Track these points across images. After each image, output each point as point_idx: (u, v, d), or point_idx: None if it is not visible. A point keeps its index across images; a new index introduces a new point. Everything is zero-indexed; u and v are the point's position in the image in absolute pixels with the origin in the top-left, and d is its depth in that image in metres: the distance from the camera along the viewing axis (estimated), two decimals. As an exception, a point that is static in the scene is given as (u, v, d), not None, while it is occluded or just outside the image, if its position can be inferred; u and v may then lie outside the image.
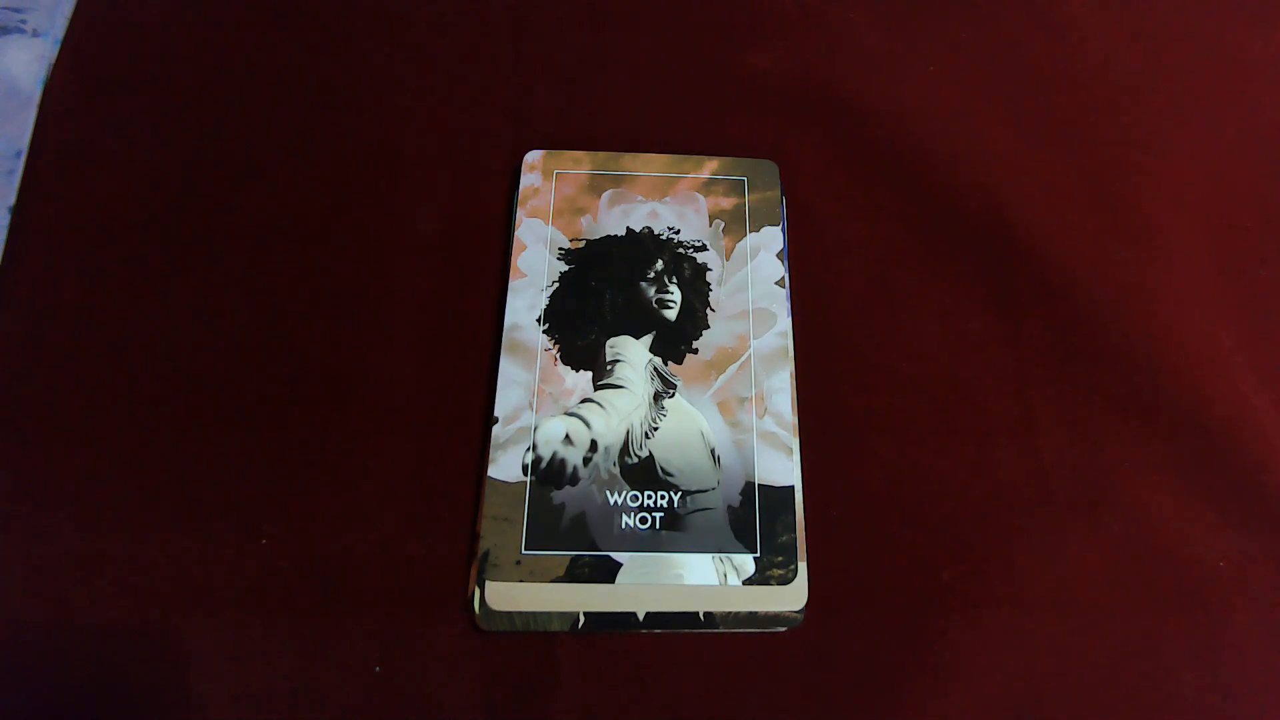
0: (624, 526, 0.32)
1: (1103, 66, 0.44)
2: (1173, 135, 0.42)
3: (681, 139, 0.41)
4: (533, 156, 0.40)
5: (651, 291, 0.37)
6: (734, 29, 0.44)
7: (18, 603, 0.32)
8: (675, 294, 0.37)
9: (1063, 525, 0.34)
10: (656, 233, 0.38)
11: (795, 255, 0.39)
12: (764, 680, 0.32)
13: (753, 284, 0.37)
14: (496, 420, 0.34)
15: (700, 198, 0.39)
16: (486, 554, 0.32)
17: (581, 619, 0.32)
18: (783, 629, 0.32)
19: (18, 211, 0.38)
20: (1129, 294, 0.38)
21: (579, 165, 0.40)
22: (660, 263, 0.37)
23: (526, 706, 0.31)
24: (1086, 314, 0.38)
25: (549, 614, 0.32)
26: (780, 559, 0.32)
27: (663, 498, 0.33)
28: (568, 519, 0.33)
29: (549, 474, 0.33)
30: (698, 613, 0.32)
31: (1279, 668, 0.32)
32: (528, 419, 0.34)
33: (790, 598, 0.32)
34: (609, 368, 0.35)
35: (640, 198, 0.39)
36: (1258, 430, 0.36)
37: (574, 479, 0.33)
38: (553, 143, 0.40)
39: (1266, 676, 0.32)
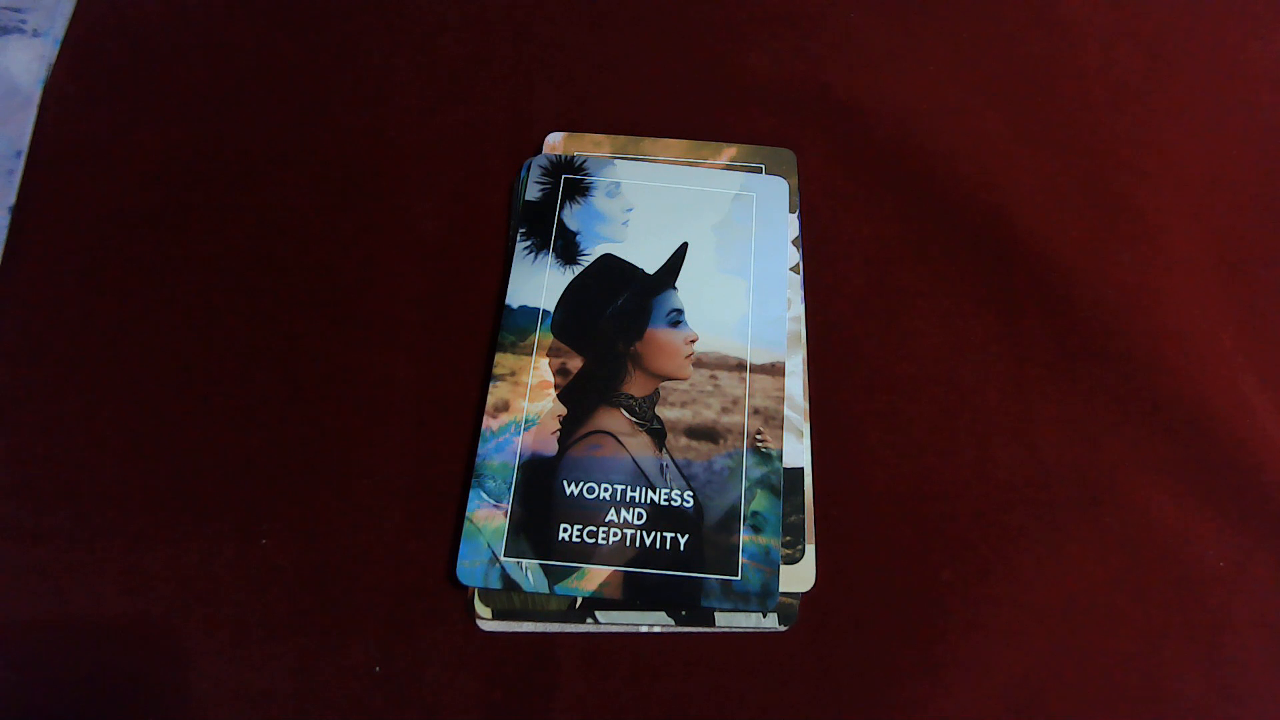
0: None
1: (1103, 66, 0.44)
2: (1173, 135, 0.42)
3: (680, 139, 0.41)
4: (554, 138, 0.40)
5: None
6: (734, 30, 0.44)
7: (18, 603, 0.32)
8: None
9: (1063, 525, 0.34)
10: None
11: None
12: (764, 680, 0.32)
13: None
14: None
15: None
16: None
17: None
18: (784, 628, 0.32)
19: (18, 211, 0.38)
20: (1129, 294, 0.38)
21: (599, 148, 0.40)
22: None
23: (526, 706, 0.31)
24: (1086, 314, 0.38)
25: (549, 613, 0.31)
26: (788, 538, 0.32)
27: None
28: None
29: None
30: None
31: (1279, 668, 0.32)
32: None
33: (798, 577, 0.32)
34: None
35: None
36: (1258, 430, 0.36)
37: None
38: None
39: (1266, 676, 0.32)
